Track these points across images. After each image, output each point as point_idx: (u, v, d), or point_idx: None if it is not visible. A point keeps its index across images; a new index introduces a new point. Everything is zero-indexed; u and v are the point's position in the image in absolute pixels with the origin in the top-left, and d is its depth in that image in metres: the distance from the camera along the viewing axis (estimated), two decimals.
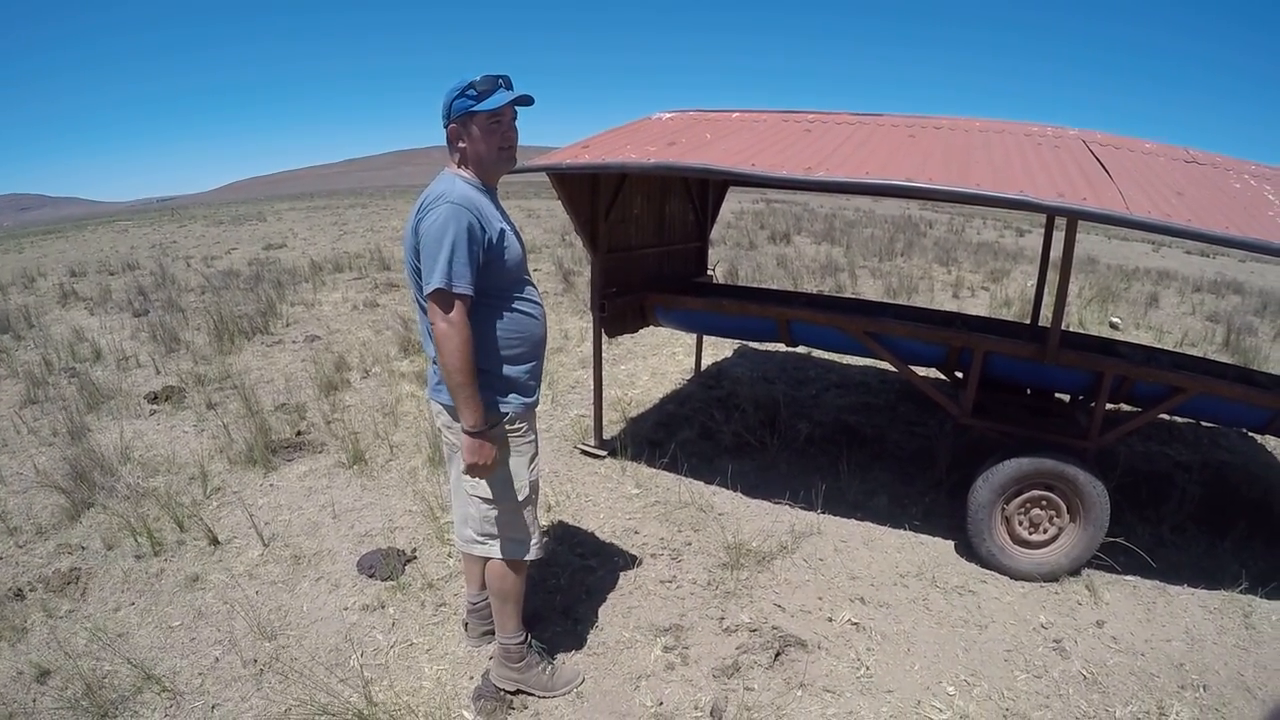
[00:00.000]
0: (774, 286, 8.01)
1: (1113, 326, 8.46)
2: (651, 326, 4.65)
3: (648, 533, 3.51)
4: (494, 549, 2.31)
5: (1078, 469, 3.07)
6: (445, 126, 2.10)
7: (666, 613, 2.94)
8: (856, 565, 3.31)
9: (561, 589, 3.11)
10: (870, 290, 9.57)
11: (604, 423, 4.61)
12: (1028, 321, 5.12)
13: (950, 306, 8.72)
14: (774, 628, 2.84)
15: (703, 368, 5.97)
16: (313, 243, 13.08)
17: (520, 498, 2.24)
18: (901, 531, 3.60)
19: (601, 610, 2.97)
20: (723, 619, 2.90)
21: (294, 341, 6.71)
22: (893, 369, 3.74)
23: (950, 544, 3.51)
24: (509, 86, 2.08)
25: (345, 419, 4.93)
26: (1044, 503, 3.19)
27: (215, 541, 3.40)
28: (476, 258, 2.00)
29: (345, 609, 2.97)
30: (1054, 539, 3.23)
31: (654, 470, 4.11)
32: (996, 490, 3.16)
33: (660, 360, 6.43)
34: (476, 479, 2.16)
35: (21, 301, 8.29)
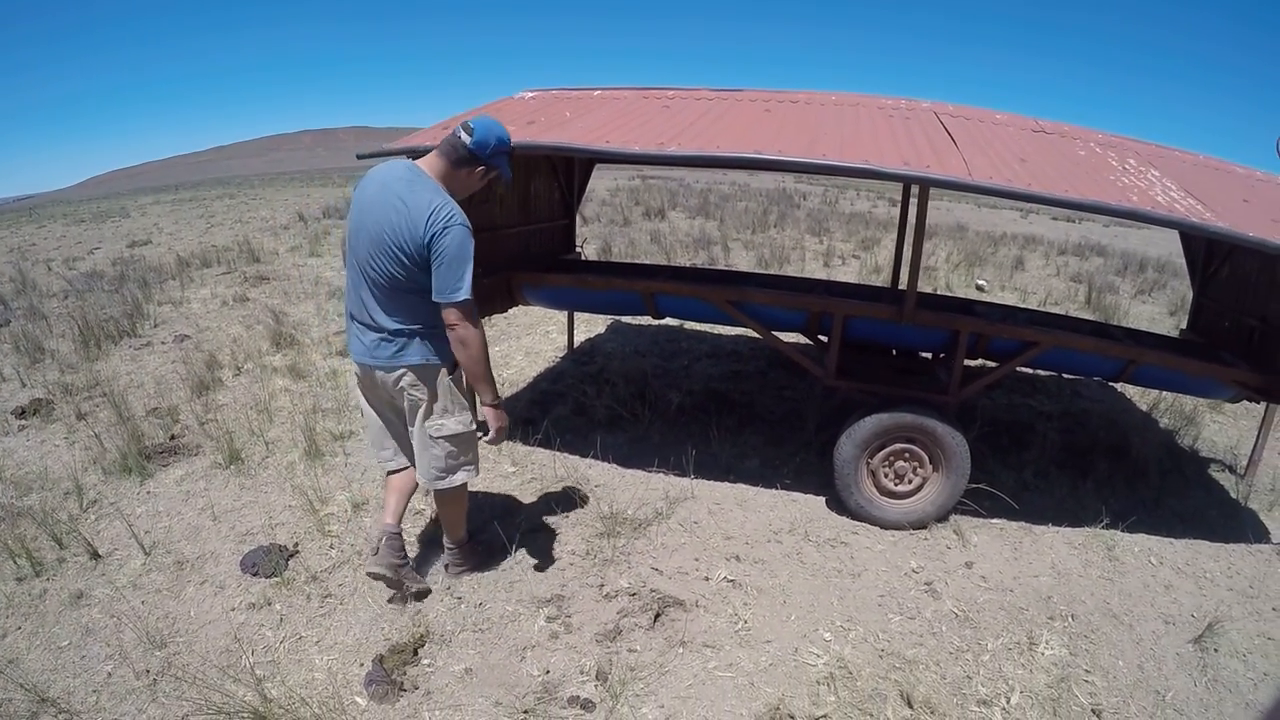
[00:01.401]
0: (646, 262, 8.23)
1: (979, 289, 9.11)
2: (524, 307, 4.75)
3: (525, 510, 3.66)
4: (456, 479, 2.81)
5: (936, 421, 3.36)
6: (474, 151, 2.48)
7: (548, 584, 3.11)
8: (731, 525, 3.57)
9: (443, 570, 3.21)
10: (743, 262, 9.94)
11: (476, 405, 4.74)
12: (889, 286, 5.51)
13: (820, 275, 9.20)
14: (652, 590, 3.05)
15: (576, 345, 6.14)
16: (179, 237, 12.32)
17: (472, 430, 2.78)
18: (774, 491, 3.89)
19: (483, 587, 3.10)
20: (602, 586, 3.09)
21: (163, 343, 6.41)
22: (760, 337, 3.97)
23: (822, 500, 3.82)
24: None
25: (219, 418, 4.82)
26: (907, 455, 3.49)
27: (96, 555, 3.31)
28: None
29: (232, 610, 2.99)
30: (919, 489, 3.54)
31: (529, 448, 4.25)
32: (860, 445, 3.45)
33: (534, 340, 6.55)
34: (440, 424, 2.68)
35: None
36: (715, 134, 3.32)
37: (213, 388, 5.35)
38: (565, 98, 4.24)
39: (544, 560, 3.26)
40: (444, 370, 2.63)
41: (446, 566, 3.15)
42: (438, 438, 2.69)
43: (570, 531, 3.48)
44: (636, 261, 6.21)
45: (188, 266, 9.25)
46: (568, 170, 5.46)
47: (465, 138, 2.47)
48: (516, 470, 4.02)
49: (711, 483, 3.93)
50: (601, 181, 21.28)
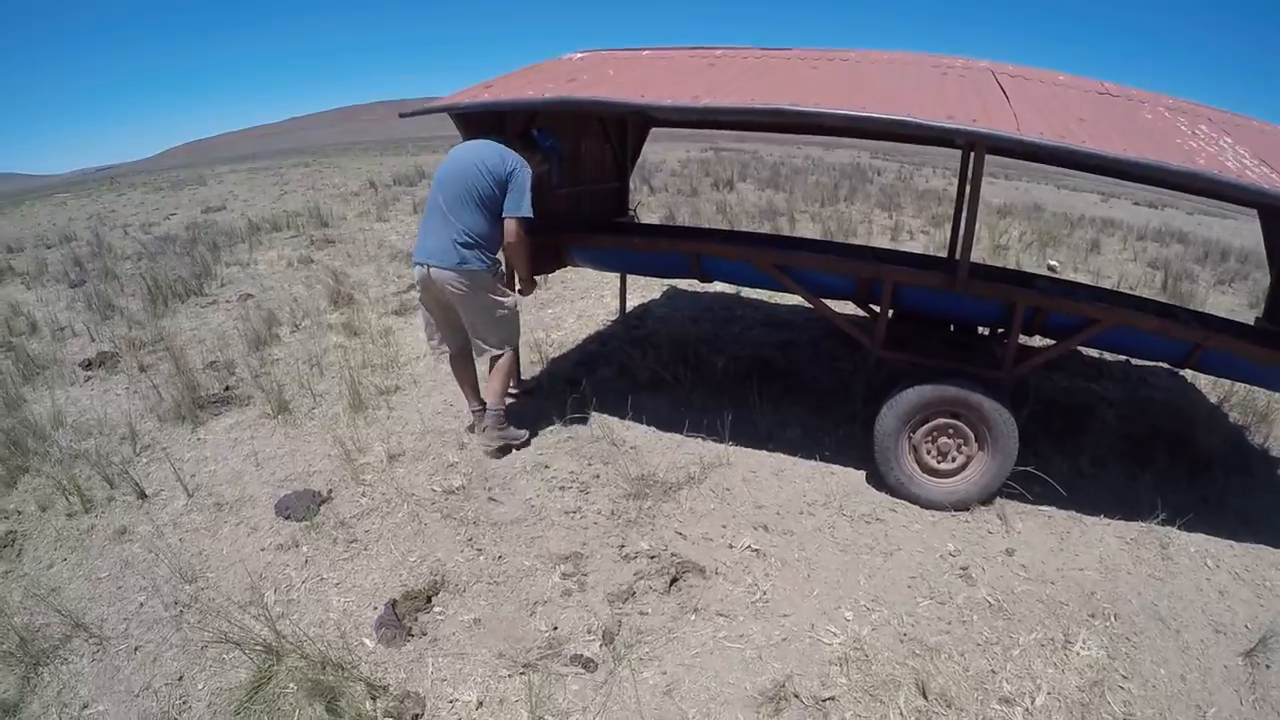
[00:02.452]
0: (700, 226, 8.06)
1: (1050, 270, 8.57)
2: (580, 272, 4.69)
3: (558, 467, 3.59)
4: (506, 347, 3.69)
5: (983, 396, 3.12)
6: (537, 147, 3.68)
7: (568, 542, 3.04)
8: (763, 495, 3.42)
9: (468, 521, 3.18)
10: (808, 234, 9.61)
11: (523, 363, 4.71)
12: (946, 256, 5.20)
13: (887, 248, 8.84)
14: (673, 555, 2.94)
15: (628, 310, 6.01)
16: (252, 204, 12.80)
17: (517, 311, 3.72)
18: (813, 462, 3.71)
19: (504, 541, 3.07)
20: (623, 547, 3.00)
21: (227, 301, 6.65)
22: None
23: (862, 474, 3.62)
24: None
25: (273, 372, 4.96)
26: (951, 431, 3.27)
27: (143, 495, 3.48)
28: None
29: (262, 549, 3.09)
30: (963, 468, 3.31)
31: (567, 408, 4.18)
32: (902, 418, 3.25)
33: (588, 304, 6.47)
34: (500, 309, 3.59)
35: None
36: (754, 88, 3.15)
37: (270, 343, 5.50)
38: (613, 58, 4.12)
39: (567, 517, 3.20)
40: (490, 272, 3.50)
41: (485, 428, 3.72)
42: (500, 316, 3.58)
43: (599, 491, 3.40)
44: (688, 225, 6.03)
45: (258, 230, 9.56)
46: (620, 132, 5.34)
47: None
48: (554, 429, 3.96)
49: (749, 450, 3.77)
50: (673, 153, 21.09)
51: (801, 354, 5.15)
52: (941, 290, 3.29)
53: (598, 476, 3.51)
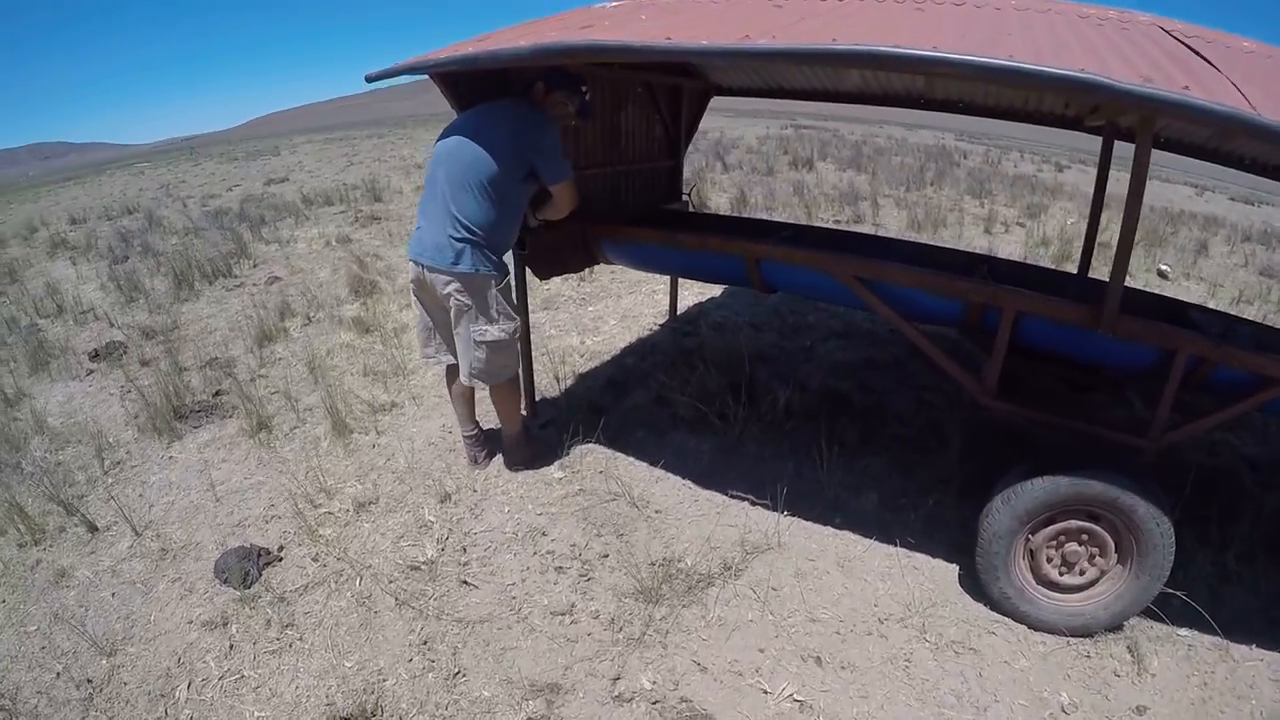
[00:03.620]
0: (764, 218, 7.03)
1: (1161, 275, 7.19)
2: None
3: (559, 535, 2.81)
4: (496, 378, 2.96)
5: (1137, 498, 2.17)
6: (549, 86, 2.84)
7: (548, 663, 2.25)
8: (821, 599, 2.52)
9: (428, 614, 2.46)
10: (893, 222, 8.39)
11: (547, 380, 4.01)
12: (1074, 271, 3.96)
13: (981, 243, 7.51)
14: (684, 700, 2.12)
15: (680, 310, 5.11)
16: (317, 175, 12.57)
17: (515, 338, 2.95)
18: (890, 549, 2.76)
19: (467, 649, 2.33)
20: (618, 679, 2.19)
21: (254, 284, 6.22)
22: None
23: (954, 571, 2.67)
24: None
25: (270, 374, 4.45)
26: (1084, 537, 2.33)
27: (93, 529, 3.06)
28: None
29: (190, 622, 2.55)
30: (1093, 584, 2.36)
31: (589, 446, 3.37)
32: (1021, 518, 2.31)
33: (635, 301, 5.60)
34: (485, 330, 2.82)
35: (16, 254, 8.11)
36: (832, 29, 2.19)
37: (276, 338, 4.97)
38: (653, 4, 3.21)
39: (554, 621, 2.41)
40: (493, 280, 2.77)
41: (508, 452, 3.24)
42: (481, 342, 2.82)
43: (603, 579, 2.59)
44: (751, 217, 4.96)
45: (310, 204, 9.20)
46: (673, 102, 4.42)
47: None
48: (564, 477, 3.18)
49: (809, 525, 2.86)
50: (752, 129, 19.88)
51: (884, 379, 4.13)
52: (1078, 326, 2.33)
53: (605, 556, 2.69)
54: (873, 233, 7.38)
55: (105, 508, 3.22)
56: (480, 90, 2.97)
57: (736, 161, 12.81)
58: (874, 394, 3.90)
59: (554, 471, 3.19)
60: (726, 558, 2.65)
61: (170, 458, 3.63)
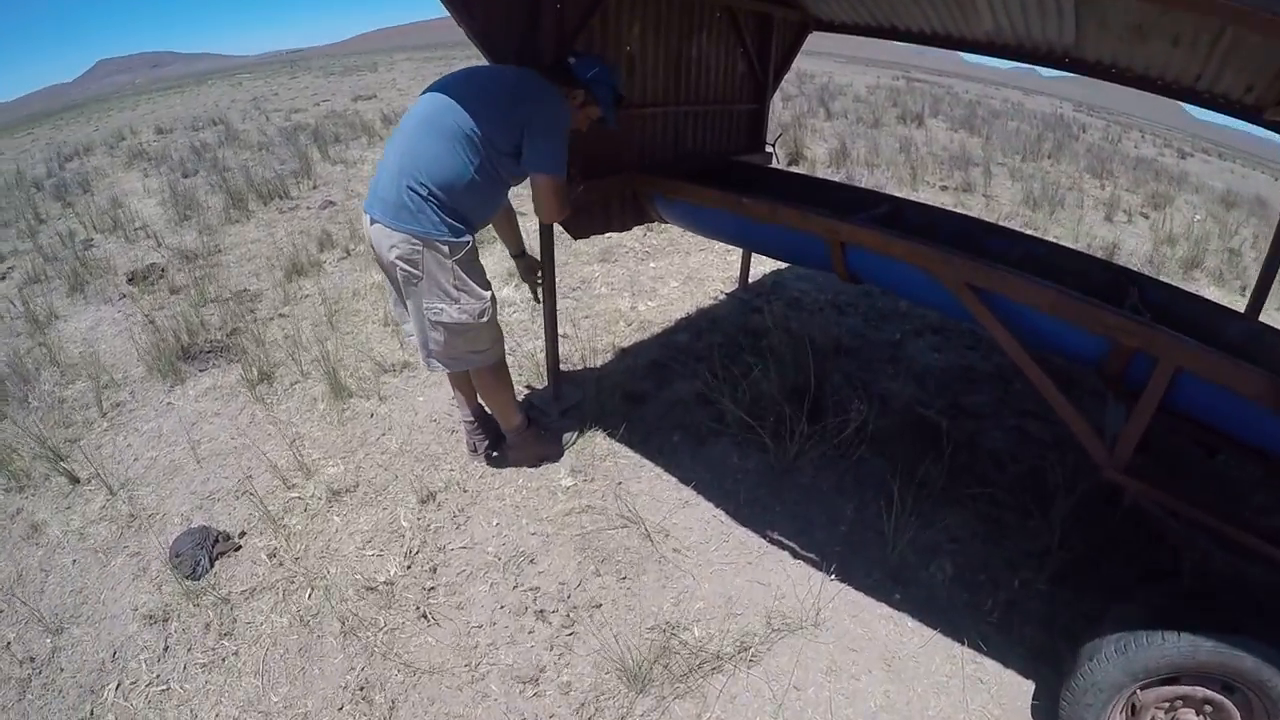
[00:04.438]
0: (859, 185, 6.05)
1: None
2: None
3: (549, 567, 2.29)
4: (463, 365, 2.42)
5: None
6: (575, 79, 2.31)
7: None
8: (854, 711, 1.89)
9: (375, 650, 2.02)
10: (1005, 195, 7.19)
11: (582, 352, 3.44)
12: (1247, 313, 2.91)
13: (1103, 231, 6.28)
14: None
15: (752, 278, 4.39)
16: (406, 93, 12.20)
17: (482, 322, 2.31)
18: (954, 647, 2.07)
19: (405, 706, 1.90)
20: None
21: (308, 208, 5.94)
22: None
23: (1028, 690, 1.97)
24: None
25: (291, 313, 4.13)
26: (1208, 707, 1.62)
27: (75, 481, 2.87)
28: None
29: (134, 609, 2.27)
30: None
31: (611, 446, 2.81)
32: (1136, 675, 1.62)
33: (705, 260, 4.90)
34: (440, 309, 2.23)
35: (97, 163, 8.18)
36: None
37: (308, 272, 4.65)
38: None
39: (512, 693, 1.90)
40: (448, 249, 2.17)
41: (511, 448, 2.75)
42: (437, 322, 2.27)
43: (588, 637, 2.06)
44: (843, 182, 3.99)
45: (389, 124, 8.84)
46: (761, 35, 3.61)
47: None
48: (574, 486, 2.64)
49: (858, 598, 2.21)
50: (862, 78, 18.18)
51: (982, 398, 3.31)
52: (1261, 402, 1.60)
53: (598, 606, 2.15)
54: (983, 209, 6.31)
55: (94, 456, 3.01)
56: (498, 20, 2.37)
57: (842, 110, 11.67)
58: (967, 418, 3.12)
59: (562, 477, 2.66)
60: (746, 633, 2.06)
61: (169, 404, 3.39)
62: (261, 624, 2.17)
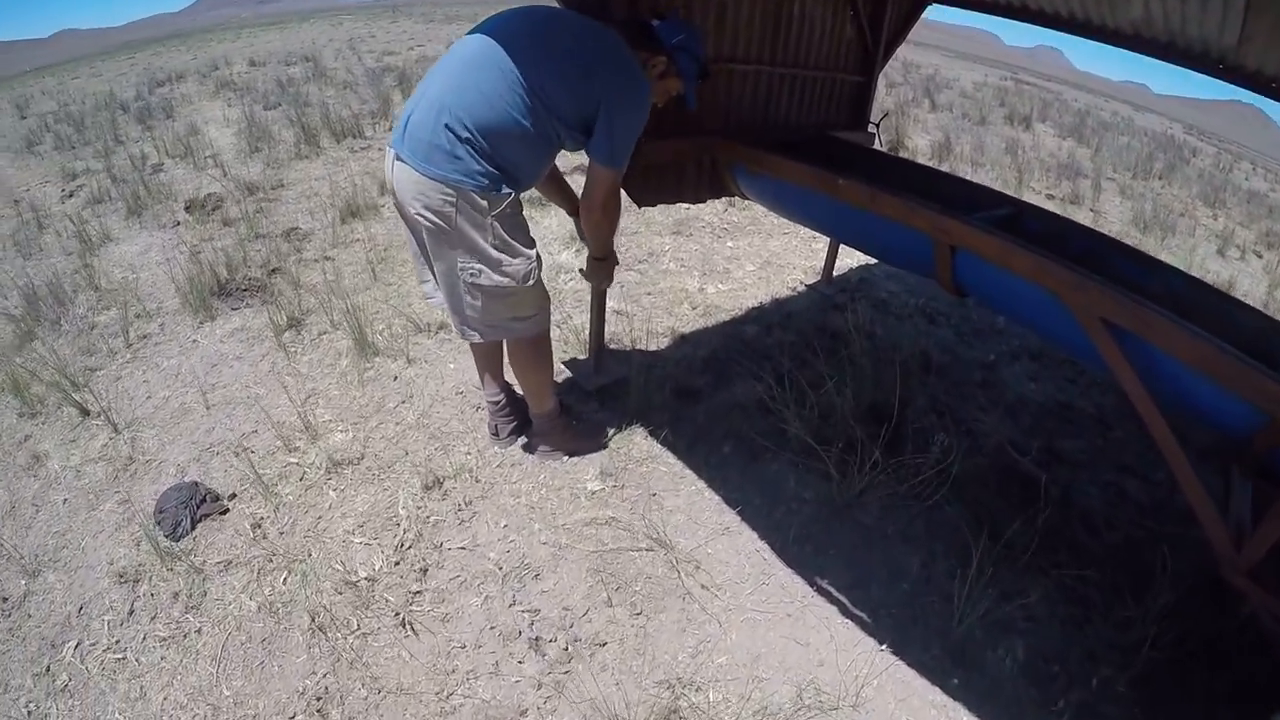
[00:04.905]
0: (971, 179, 5.37)
1: None
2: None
3: (555, 586, 1.96)
4: (501, 334, 2.10)
5: None
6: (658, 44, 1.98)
7: None
8: None
9: (340, 657, 1.77)
10: (1114, 213, 6.42)
11: (635, 335, 3.13)
12: None
13: (1216, 266, 5.50)
14: None
15: (837, 271, 3.92)
16: None
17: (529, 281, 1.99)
18: None
19: None
20: None
21: (379, 149, 5.77)
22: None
23: None
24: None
25: (337, 257, 3.92)
26: None
27: (85, 413, 2.75)
28: None
29: (110, 563, 2.12)
30: None
31: (651, 448, 2.45)
32: None
33: (788, 244, 4.42)
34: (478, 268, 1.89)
35: (185, 90, 8.25)
36: None
37: (364, 215, 4.46)
38: None
39: None
40: (489, 203, 1.81)
41: (534, 441, 2.43)
42: (475, 285, 1.93)
43: (585, 682, 1.71)
44: (955, 174, 3.33)
45: None
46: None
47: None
48: (600, 491, 2.28)
49: (910, 675, 1.78)
50: (969, 74, 17.31)
51: (1080, 443, 2.75)
52: None
53: (603, 645, 1.81)
54: (1090, 225, 5.59)
55: (111, 389, 2.90)
56: None
57: (947, 103, 10.89)
58: (1061, 465, 2.60)
59: (590, 478, 2.32)
60: (769, 706, 1.67)
61: (194, 341, 3.25)
62: (230, 603, 1.94)
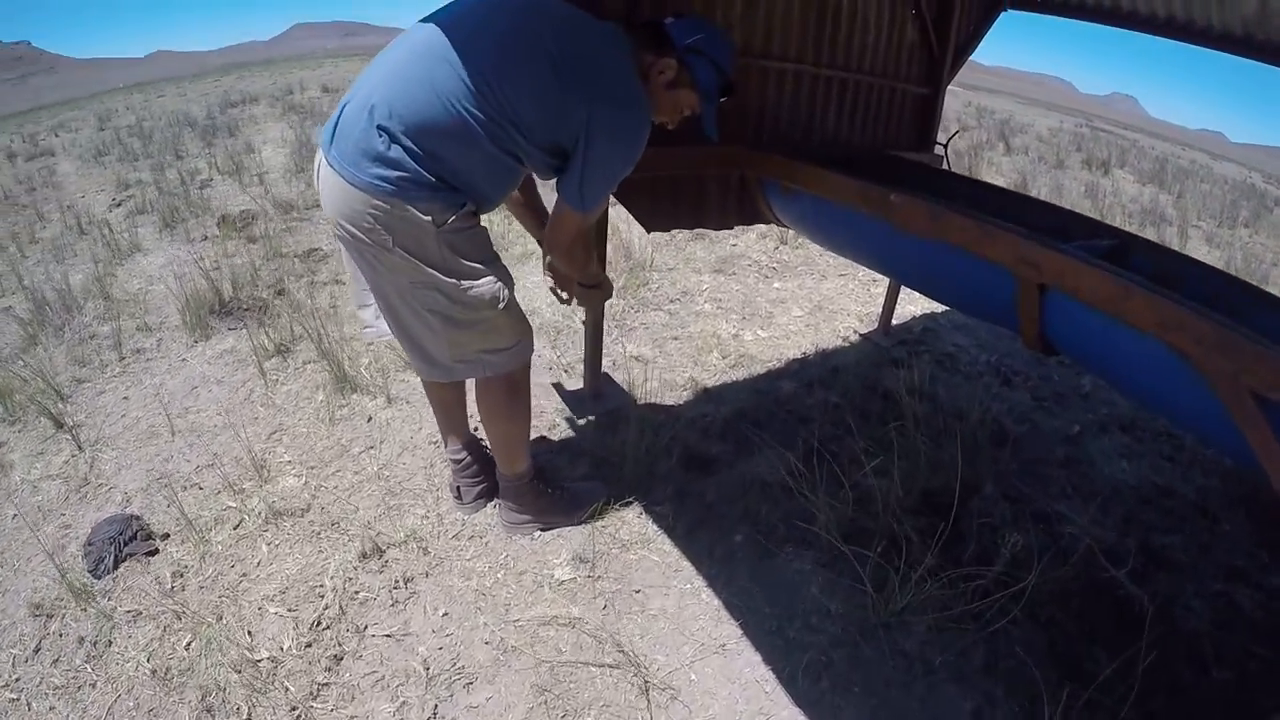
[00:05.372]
0: (1052, 202, 4.81)
1: None
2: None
3: (488, 703, 1.58)
4: (465, 372, 1.77)
5: None
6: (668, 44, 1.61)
7: None
8: None
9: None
10: (1204, 259, 5.94)
11: (650, 386, 2.81)
12: None
13: None
14: None
15: (897, 320, 3.47)
16: None
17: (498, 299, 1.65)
18: None
19: None
20: None
21: None
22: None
23: None
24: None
25: (348, 281, 3.85)
26: None
27: (59, 426, 2.62)
28: None
29: (33, 591, 1.93)
30: None
31: (644, 529, 2.07)
32: None
33: (843, 286, 4.00)
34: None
35: (255, 112, 8.52)
36: None
37: None
38: None
39: None
40: (430, 218, 1.48)
41: (501, 505, 2.05)
42: (431, 311, 1.60)
43: None
44: (1041, 199, 2.86)
45: None
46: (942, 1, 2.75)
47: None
48: (567, 583, 1.89)
49: None
50: (1044, 120, 17.00)
51: (1180, 539, 2.21)
52: None
53: None
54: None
55: (89, 404, 2.79)
56: None
57: (1022, 146, 10.59)
58: (1161, 571, 2.06)
59: (559, 564, 1.95)
60: None
61: (183, 360, 3.11)
62: (128, 661, 1.69)
